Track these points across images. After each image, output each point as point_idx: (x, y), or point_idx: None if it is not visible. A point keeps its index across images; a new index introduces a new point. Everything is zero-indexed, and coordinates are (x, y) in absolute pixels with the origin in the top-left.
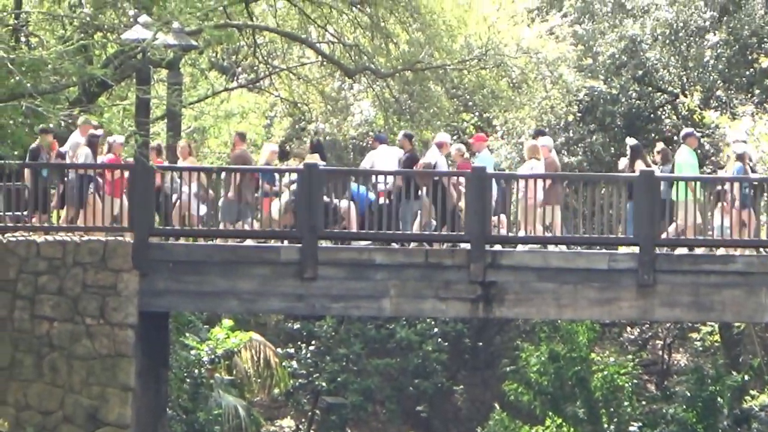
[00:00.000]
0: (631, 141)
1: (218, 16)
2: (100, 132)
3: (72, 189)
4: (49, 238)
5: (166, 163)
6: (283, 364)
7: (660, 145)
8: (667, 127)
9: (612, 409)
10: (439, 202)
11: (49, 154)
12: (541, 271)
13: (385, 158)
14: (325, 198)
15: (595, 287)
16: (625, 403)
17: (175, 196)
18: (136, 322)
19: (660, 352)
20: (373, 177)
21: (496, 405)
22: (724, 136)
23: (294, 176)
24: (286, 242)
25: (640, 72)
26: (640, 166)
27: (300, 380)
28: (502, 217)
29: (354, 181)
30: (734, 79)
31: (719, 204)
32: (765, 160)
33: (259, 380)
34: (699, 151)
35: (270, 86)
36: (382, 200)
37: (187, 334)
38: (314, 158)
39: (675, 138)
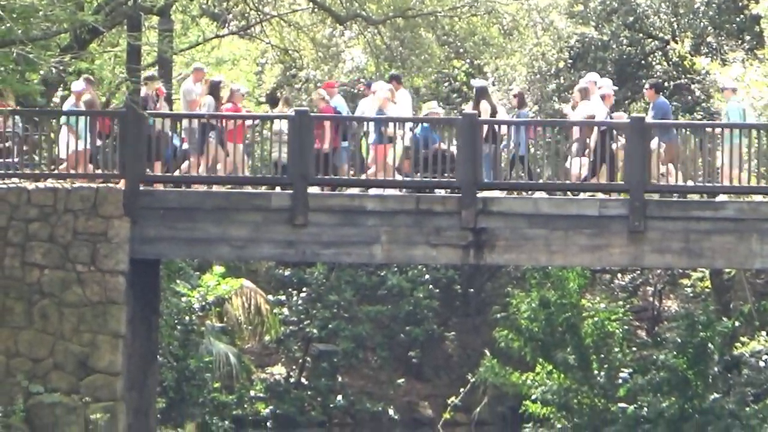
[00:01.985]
0: (476, 82)
1: None
2: (221, 77)
3: (194, 136)
4: (40, 185)
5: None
6: (274, 311)
7: (516, 89)
8: (658, 73)
9: (602, 356)
10: (601, 152)
11: (155, 101)
12: (532, 217)
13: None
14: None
15: (585, 233)
16: (616, 350)
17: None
18: (127, 269)
19: (651, 299)
20: (365, 124)
21: (487, 351)
22: (714, 82)
23: (408, 126)
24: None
25: (631, 18)
26: (484, 107)
27: (291, 327)
28: (670, 166)
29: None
30: (725, 26)
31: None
32: (755, 107)
33: (250, 327)
34: (690, 97)
35: (261, 33)
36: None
37: (178, 281)
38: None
39: (666, 84)
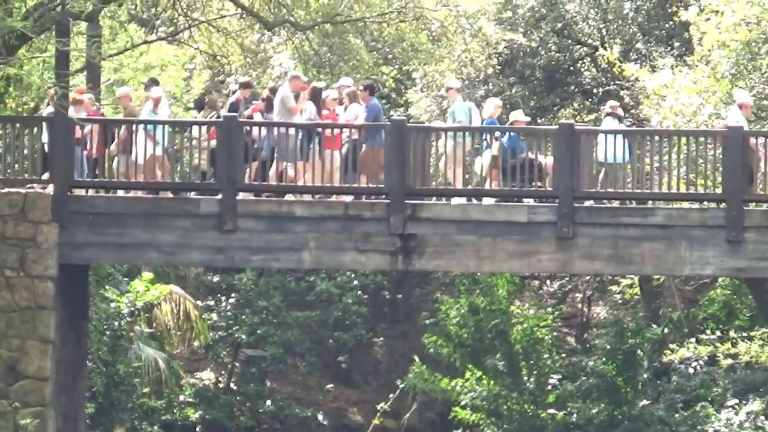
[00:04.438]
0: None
1: None
2: (322, 84)
3: (290, 142)
4: None
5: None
6: (203, 316)
7: (265, 93)
8: (587, 79)
9: (532, 362)
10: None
11: (247, 107)
12: (461, 223)
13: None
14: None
15: (514, 240)
16: (545, 356)
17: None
18: (56, 274)
19: (580, 305)
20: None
21: (416, 357)
22: (643, 88)
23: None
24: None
25: (560, 25)
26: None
27: (220, 333)
28: None
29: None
30: (654, 32)
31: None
32: (684, 112)
33: (179, 333)
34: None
35: (189, 39)
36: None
37: (107, 287)
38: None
39: (595, 91)
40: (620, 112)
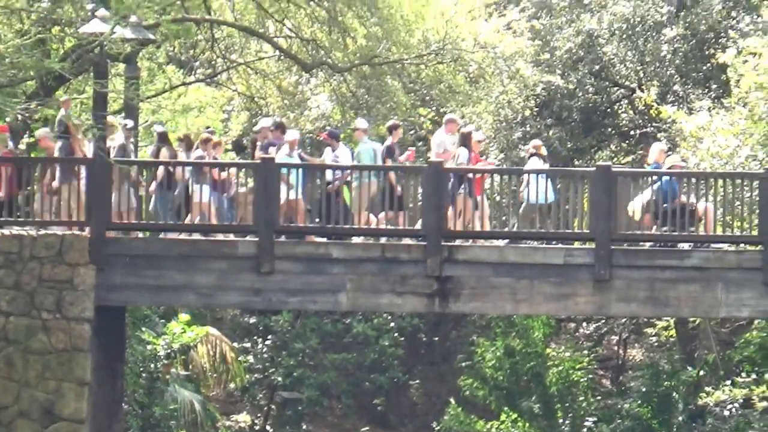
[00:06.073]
0: (157, 127)
1: (176, 10)
2: (470, 128)
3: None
4: (6, 231)
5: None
6: (239, 358)
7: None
8: (624, 121)
9: (567, 404)
10: None
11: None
12: (498, 266)
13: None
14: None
15: (551, 282)
16: (581, 398)
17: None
18: (93, 316)
19: (615, 348)
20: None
21: (452, 400)
22: (680, 131)
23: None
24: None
25: (597, 66)
26: (164, 153)
27: (256, 375)
28: None
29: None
30: (691, 74)
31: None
32: (721, 155)
33: (215, 375)
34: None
35: (227, 80)
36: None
37: (143, 329)
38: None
39: (632, 132)
40: (544, 151)
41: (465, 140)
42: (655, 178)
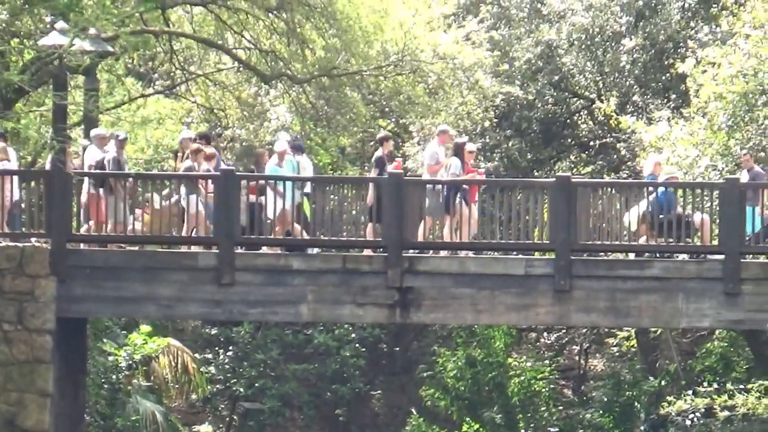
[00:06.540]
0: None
1: (135, 23)
2: (464, 140)
3: (437, 198)
4: None
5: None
6: (201, 369)
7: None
8: (584, 132)
9: (529, 414)
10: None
11: (391, 160)
12: (458, 276)
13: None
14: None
15: (511, 292)
16: (542, 408)
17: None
18: (54, 327)
19: (577, 357)
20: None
21: (413, 410)
22: (640, 141)
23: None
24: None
25: (556, 77)
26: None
27: (218, 386)
28: None
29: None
30: (650, 84)
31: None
32: (681, 165)
33: (176, 386)
34: (616, 156)
35: (186, 92)
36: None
37: (105, 340)
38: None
39: (591, 143)
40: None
41: (458, 151)
42: (651, 189)
